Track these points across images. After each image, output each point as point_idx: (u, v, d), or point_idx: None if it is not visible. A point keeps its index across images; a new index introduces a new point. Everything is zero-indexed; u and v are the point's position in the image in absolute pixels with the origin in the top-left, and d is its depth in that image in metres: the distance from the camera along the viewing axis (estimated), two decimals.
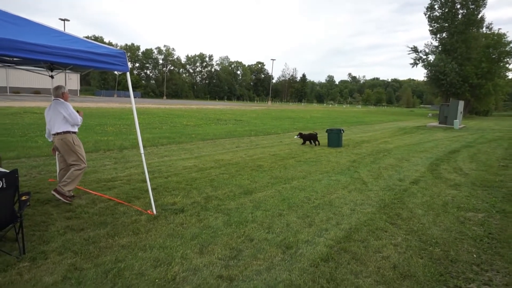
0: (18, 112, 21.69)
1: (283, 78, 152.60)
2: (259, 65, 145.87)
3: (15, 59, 4.90)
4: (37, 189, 5.88)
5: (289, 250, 3.99)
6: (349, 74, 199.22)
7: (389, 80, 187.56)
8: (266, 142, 13.61)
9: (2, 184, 3.34)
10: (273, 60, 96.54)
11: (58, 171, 5.64)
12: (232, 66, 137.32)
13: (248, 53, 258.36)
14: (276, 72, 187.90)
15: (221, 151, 10.91)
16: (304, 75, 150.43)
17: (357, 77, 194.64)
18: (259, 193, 6.29)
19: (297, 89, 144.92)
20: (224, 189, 6.45)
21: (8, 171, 3.54)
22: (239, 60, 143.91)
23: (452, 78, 45.96)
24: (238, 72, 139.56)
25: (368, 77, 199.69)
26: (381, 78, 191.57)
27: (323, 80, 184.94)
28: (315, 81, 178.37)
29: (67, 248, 3.81)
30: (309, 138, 13.33)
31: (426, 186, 7.17)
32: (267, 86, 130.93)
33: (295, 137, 13.80)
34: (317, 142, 13.22)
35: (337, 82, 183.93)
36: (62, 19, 49.11)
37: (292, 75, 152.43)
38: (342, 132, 13.06)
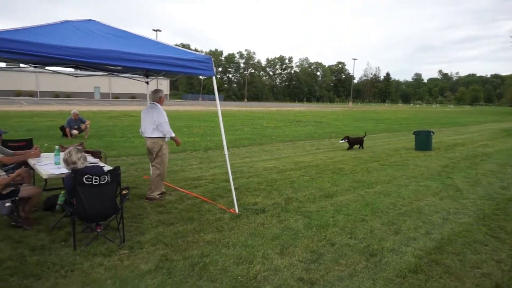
0: (118, 115, 24.26)
1: (365, 78, 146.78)
2: (340, 65, 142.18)
3: (118, 67, 5.48)
4: (134, 185, 6.49)
5: (373, 258, 3.81)
6: (440, 71, 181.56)
7: (488, 76, 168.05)
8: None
9: (107, 179, 3.76)
10: (354, 59, 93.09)
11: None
12: (312, 67, 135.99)
13: (328, 54, 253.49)
14: (357, 71, 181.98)
15: (301, 153, 10.88)
16: (388, 74, 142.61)
17: (449, 74, 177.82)
18: (340, 196, 6.13)
19: (381, 89, 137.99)
20: (304, 191, 6.41)
21: (112, 167, 3.97)
22: (319, 61, 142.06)
23: None
24: (318, 73, 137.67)
25: (462, 74, 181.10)
26: (478, 74, 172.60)
27: (409, 79, 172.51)
28: (400, 80, 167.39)
29: (159, 240, 4.13)
30: (356, 143, 12.10)
31: None
32: (348, 86, 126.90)
33: (341, 141, 12.40)
34: (361, 147, 12.07)
35: (425, 80, 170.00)
36: (155, 30, 53.64)
37: (375, 74, 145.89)
38: (431, 134, 12.08)
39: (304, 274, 3.44)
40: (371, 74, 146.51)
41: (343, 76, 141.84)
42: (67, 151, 3.98)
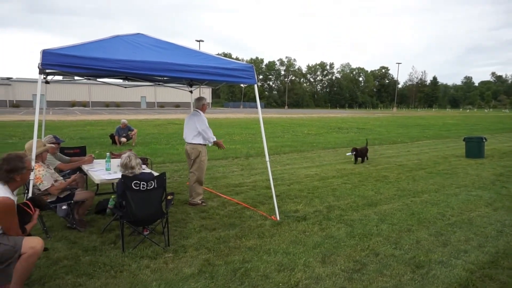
0: (163, 123, 25.21)
1: (410, 83, 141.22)
2: (383, 70, 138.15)
3: (165, 78, 5.73)
4: (178, 191, 6.70)
5: (420, 270, 3.66)
6: (493, 74, 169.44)
7: None
8: (392, 152, 12.78)
9: (154, 184, 3.93)
10: (398, 64, 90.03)
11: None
12: (354, 72, 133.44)
13: (370, 58, 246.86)
14: (402, 76, 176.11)
15: (342, 160, 10.68)
16: (434, 78, 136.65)
17: (504, 76, 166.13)
18: (384, 205, 5.94)
19: (427, 94, 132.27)
20: (346, 199, 6.29)
21: (158, 173, 4.14)
22: (361, 66, 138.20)
23: None
24: (360, 78, 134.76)
25: None
26: None
27: (458, 82, 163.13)
28: (448, 84, 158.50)
29: (202, 244, 4.23)
30: (363, 154, 10.36)
31: None
32: (391, 92, 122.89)
33: (348, 154, 10.41)
34: (366, 158, 10.49)
35: (476, 84, 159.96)
36: (198, 40, 55.45)
37: (420, 79, 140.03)
38: (484, 140, 11.38)
39: (347, 283, 3.37)
40: (417, 78, 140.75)
41: (387, 81, 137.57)
42: (126, 155, 4.10)
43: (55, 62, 3.78)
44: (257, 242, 4.32)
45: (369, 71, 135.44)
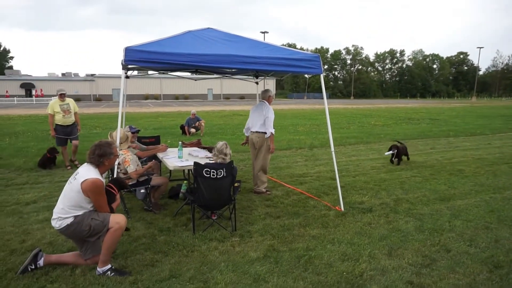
0: (228, 114, 25.98)
1: (493, 69, 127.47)
2: (461, 56, 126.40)
3: (233, 70, 5.92)
4: (244, 179, 6.94)
5: (498, 270, 3.42)
6: None
7: None
8: (469, 144, 11.82)
9: (223, 172, 4.14)
10: (479, 48, 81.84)
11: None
12: (427, 59, 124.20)
13: (446, 44, 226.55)
14: (484, 62, 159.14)
15: (412, 153, 10.12)
16: None
17: None
18: (458, 200, 5.59)
19: None
20: (416, 192, 6.02)
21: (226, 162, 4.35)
22: (436, 53, 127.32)
23: None
24: (434, 66, 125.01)
25: None
26: None
27: None
28: None
29: (266, 231, 4.38)
30: (404, 153, 8.77)
31: None
32: (471, 79, 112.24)
33: (387, 153, 8.71)
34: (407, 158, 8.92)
35: None
36: (262, 32, 55.69)
37: (507, 64, 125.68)
38: None
39: (414, 278, 3.28)
40: (502, 63, 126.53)
41: (465, 67, 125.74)
42: (222, 142, 4.53)
43: (136, 58, 4.13)
44: (321, 232, 4.35)
45: (444, 58, 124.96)
